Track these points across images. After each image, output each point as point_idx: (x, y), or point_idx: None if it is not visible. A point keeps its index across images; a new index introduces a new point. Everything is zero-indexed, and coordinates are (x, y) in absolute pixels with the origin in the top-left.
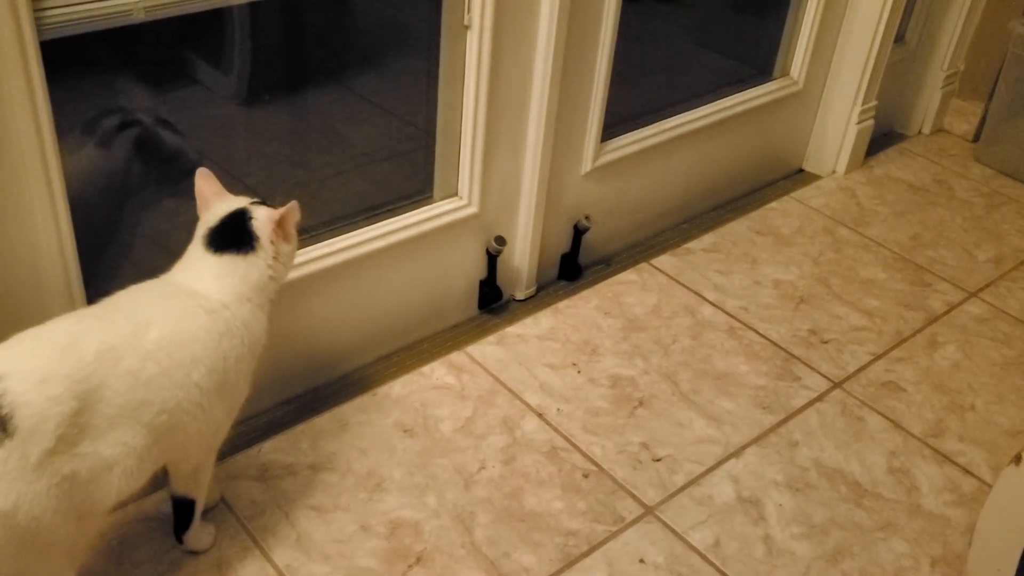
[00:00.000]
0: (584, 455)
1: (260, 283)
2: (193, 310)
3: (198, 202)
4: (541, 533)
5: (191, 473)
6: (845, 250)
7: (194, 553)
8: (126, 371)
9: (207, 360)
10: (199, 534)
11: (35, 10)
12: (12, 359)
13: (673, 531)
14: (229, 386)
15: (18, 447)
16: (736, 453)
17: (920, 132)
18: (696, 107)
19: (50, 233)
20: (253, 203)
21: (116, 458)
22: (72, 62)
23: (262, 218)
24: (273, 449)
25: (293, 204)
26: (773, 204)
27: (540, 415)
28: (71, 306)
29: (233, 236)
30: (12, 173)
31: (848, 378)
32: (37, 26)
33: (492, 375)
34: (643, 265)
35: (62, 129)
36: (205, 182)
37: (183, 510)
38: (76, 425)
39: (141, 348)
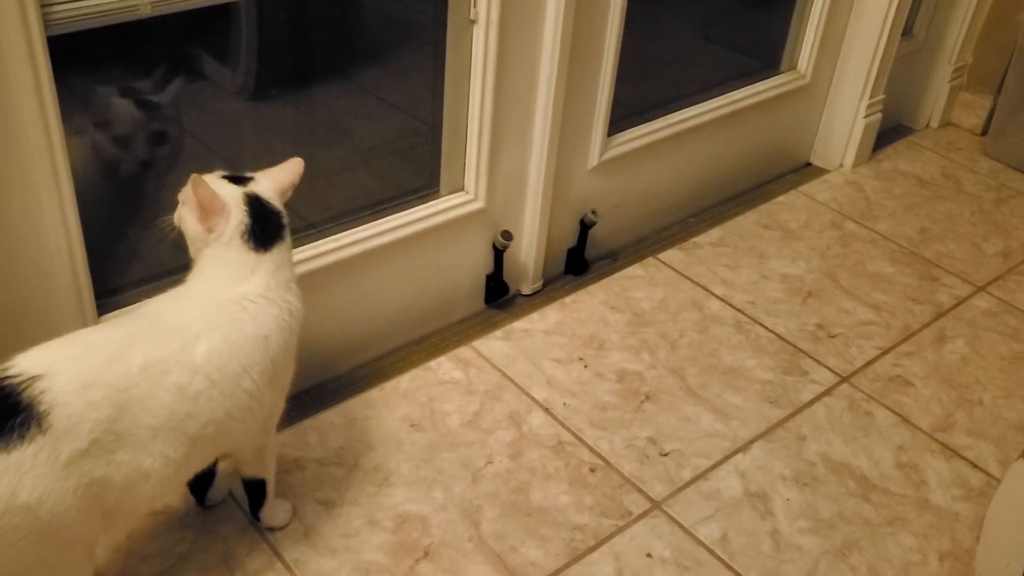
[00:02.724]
0: (591, 450)
1: (292, 257)
2: (240, 320)
3: (201, 211)
4: (548, 527)
5: (254, 456)
6: (853, 244)
7: (272, 530)
8: (173, 384)
9: (257, 366)
10: (275, 511)
11: (42, 5)
12: (60, 360)
13: (680, 525)
14: (279, 374)
15: (49, 443)
16: (743, 448)
17: (928, 126)
18: (703, 101)
19: (58, 229)
20: (247, 181)
21: (154, 468)
22: (79, 58)
23: (275, 195)
24: (281, 443)
25: (295, 163)
26: (780, 198)
27: (547, 410)
28: (79, 302)
29: (272, 228)
30: (20, 170)
31: (856, 372)
32: (44, 22)
33: (499, 370)
34: (650, 259)
35: (69, 126)
36: (203, 190)
37: (255, 490)
38: (113, 432)
39: (189, 363)
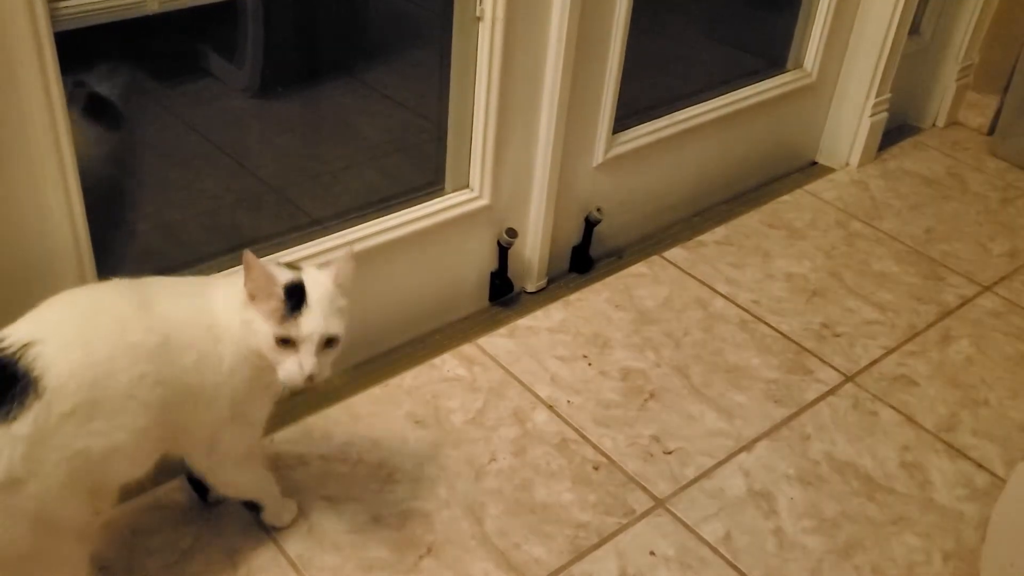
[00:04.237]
0: (595, 447)
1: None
2: (214, 330)
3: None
4: (551, 525)
5: (206, 466)
6: (858, 243)
7: (276, 528)
8: (130, 344)
9: (210, 358)
10: (278, 513)
11: (50, 1)
12: (48, 323)
13: (684, 524)
14: (238, 397)
15: (44, 407)
16: (747, 446)
17: (934, 125)
18: (709, 99)
19: (63, 219)
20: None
21: (125, 441)
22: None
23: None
24: (285, 440)
25: (347, 257)
26: (786, 197)
27: (551, 407)
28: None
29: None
30: (27, 164)
31: (860, 372)
32: (52, 18)
33: (503, 367)
34: (655, 258)
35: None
36: (262, 272)
37: (249, 505)
38: (91, 399)
39: (146, 319)
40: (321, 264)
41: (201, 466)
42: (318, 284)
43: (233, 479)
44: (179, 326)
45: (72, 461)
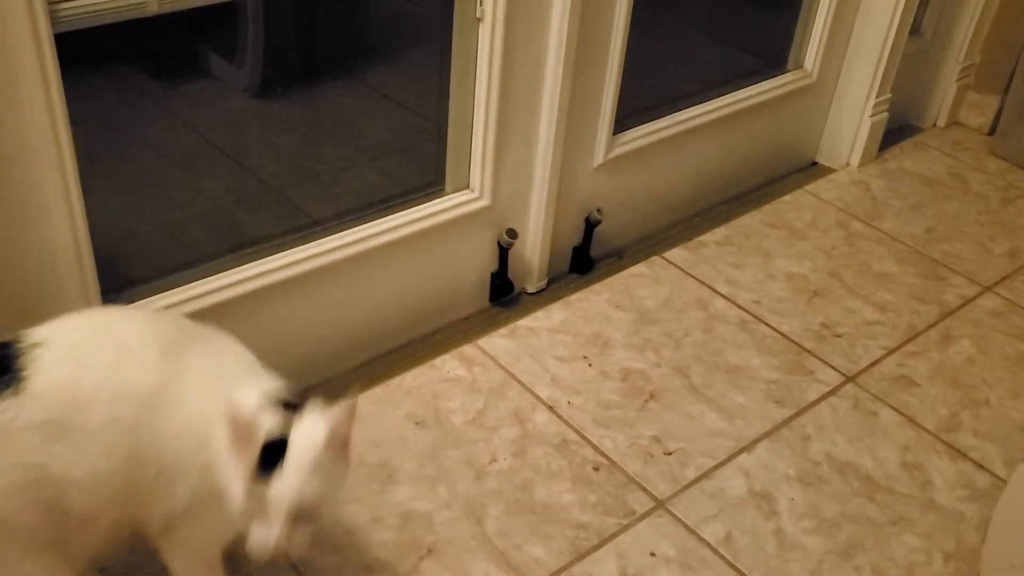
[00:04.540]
0: (595, 448)
1: None
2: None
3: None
4: (552, 526)
5: (161, 551)
6: (858, 243)
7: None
8: (120, 381)
9: (182, 439)
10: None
11: (50, 3)
12: (60, 332)
13: (684, 525)
14: (199, 491)
15: (15, 406)
16: (748, 447)
17: (935, 125)
18: (709, 99)
19: (65, 224)
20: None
21: (82, 478)
22: (86, 56)
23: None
24: None
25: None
26: (786, 197)
27: (551, 408)
28: (85, 299)
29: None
30: (28, 166)
31: (861, 372)
32: (52, 19)
33: (503, 368)
34: (655, 258)
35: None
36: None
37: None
38: (63, 421)
39: (141, 367)
40: (329, 404)
41: (154, 541)
42: (306, 441)
43: (183, 572)
44: (185, 394)
45: (28, 472)
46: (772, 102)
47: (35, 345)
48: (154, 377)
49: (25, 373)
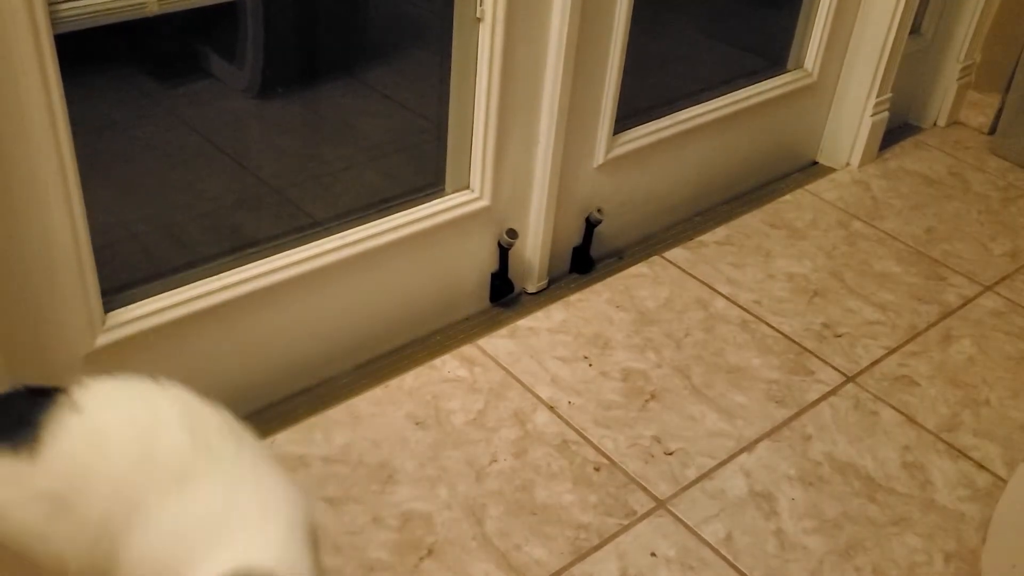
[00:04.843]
0: (595, 448)
1: None
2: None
3: None
4: (552, 526)
5: None
6: (859, 243)
7: None
8: (125, 469)
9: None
10: None
11: (50, 3)
12: (102, 399)
13: (685, 525)
14: None
15: (18, 465)
16: (748, 447)
17: (935, 124)
18: (709, 99)
19: (65, 227)
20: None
21: (60, 541)
22: (86, 56)
23: None
24: (286, 440)
25: None
26: (786, 197)
27: (551, 408)
28: (85, 302)
29: None
30: (28, 168)
31: (861, 372)
32: (52, 20)
33: (504, 368)
34: (655, 258)
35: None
36: None
37: None
38: (61, 500)
39: (153, 476)
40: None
41: None
42: None
43: None
44: (168, 524)
45: (4, 523)
46: (772, 102)
47: (68, 406)
48: (154, 492)
49: (43, 433)
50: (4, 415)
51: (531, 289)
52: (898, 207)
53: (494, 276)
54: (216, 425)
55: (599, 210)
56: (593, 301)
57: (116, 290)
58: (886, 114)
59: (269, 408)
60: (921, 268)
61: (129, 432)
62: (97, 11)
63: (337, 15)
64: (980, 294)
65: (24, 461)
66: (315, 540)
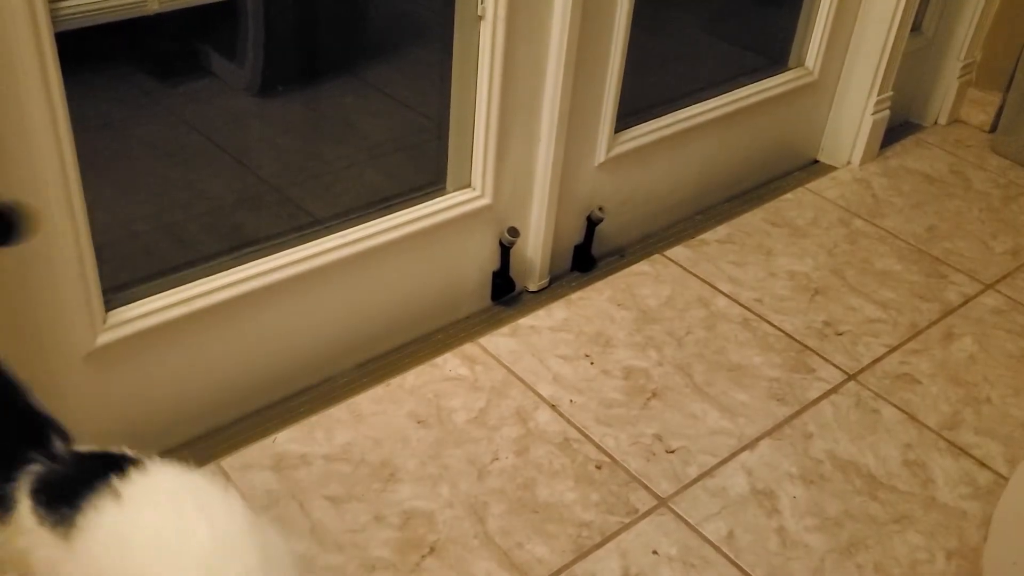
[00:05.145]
0: (597, 446)
1: None
2: None
3: None
4: (554, 524)
5: None
6: (860, 241)
7: None
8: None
9: None
10: None
11: (50, 2)
12: (146, 497)
13: (686, 523)
14: None
15: (57, 553)
16: (750, 445)
17: (936, 122)
18: (710, 97)
19: (66, 225)
20: None
21: None
22: (87, 55)
23: None
24: (288, 439)
25: None
26: (788, 195)
27: (553, 406)
28: (86, 301)
29: None
30: (28, 166)
31: (863, 370)
32: (52, 18)
33: (505, 366)
34: (657, 256)
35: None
36: None
37: None
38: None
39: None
40: None
41: None
42: None
43: None
44: None
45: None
46: (773, 100)
47: (112, 495)
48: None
49: (83, 517)
50: (58, 487)
51: (532, 287)
52: (899, 205)
53: (495, 274)
54: (243, 567)
55: (600, 208)
56: (594, 299)
57: (117, 289)
58: (887, 112)
59: (270, 407)
60: (922, 266)
61: (153, 547)
62: (97, 9)
63: (338, 13)
64: (981, 292)
65: (60, 541)
66: None
